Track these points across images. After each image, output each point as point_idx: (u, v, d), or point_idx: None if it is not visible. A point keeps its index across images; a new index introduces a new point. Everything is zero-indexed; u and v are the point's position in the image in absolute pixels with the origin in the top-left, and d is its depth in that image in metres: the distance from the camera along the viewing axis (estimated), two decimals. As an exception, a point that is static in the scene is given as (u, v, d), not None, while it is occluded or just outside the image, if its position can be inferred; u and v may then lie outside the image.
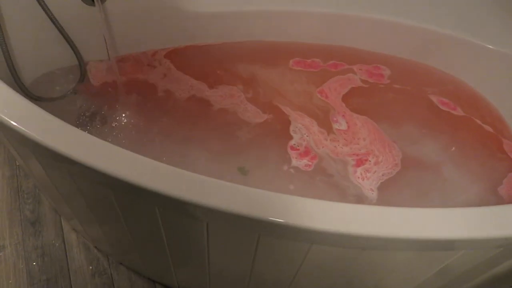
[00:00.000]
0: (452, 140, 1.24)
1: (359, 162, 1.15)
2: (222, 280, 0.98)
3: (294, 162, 1.13)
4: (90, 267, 1.18)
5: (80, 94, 1.23)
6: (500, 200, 1.10)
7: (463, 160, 1.20)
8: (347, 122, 1.22)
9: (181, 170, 0.65)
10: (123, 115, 1.21)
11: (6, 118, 0.71)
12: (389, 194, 1.10)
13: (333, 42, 1.40)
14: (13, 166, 1.39)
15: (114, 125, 1.19)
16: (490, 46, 1.25)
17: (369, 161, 1.16)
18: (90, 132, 1.16)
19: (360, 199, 1.08)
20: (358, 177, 1.12)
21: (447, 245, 0.69)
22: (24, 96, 1.10)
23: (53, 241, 1.23)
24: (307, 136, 1.18)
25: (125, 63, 1.31)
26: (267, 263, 0.82)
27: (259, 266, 0.83)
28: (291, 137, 1.18)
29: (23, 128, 0.70)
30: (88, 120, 1.19)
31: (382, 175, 1.14)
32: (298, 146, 1.16)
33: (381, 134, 1.22)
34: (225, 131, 1.20)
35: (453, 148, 1.22)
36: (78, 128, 0.72)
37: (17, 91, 1.08)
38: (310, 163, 1.13)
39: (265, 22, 1.36)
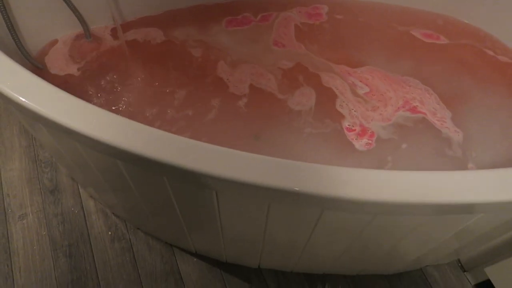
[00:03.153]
0: (464, 67, 1.25)
1: (414, 111, 1.14)
2: (236, 244, 0.99)
3: (356, 145, 1.08)
4: (109, 233, 1.21)
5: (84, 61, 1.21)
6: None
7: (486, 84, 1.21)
8: (361, 81, 1.18)
9: (185, 138, 0.64)
10: (132, 79, 1.19)
11: (11, 92, 0.71)
12: (465, 120, 1.12)
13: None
14: (29, 135, 1.40)
15: (121, 89, 1.17)
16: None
17: (416, 105, 1.15)
18: (97, 100, 1.15)
19: (460, 145, 1.08)
20: (442, 125, 1.11)
21: (464, 209, 0.67)
22: (30, 66, 1.10)
23: (72, 208, 1.25)
24: (355, 111, 1.14)
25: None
26: (280, 229, 0.82)
27: (272, 231, 0.83)
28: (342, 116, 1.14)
29: (28, 101, 0.69)
30: (97, 89, 1.17)
31: (438, 104, 1.15)
32: (353, 126, 1.12)
33: (391, 77, 1.21)
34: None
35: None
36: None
37: (23, 62, 1.08)
38: (370, 142, 1.09)
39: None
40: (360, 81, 1.19)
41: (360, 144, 1.07)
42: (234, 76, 1.20)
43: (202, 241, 1.05)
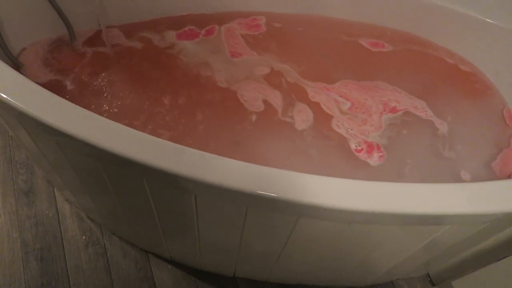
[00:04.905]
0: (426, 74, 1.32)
1: (394, 111, 1.20)
2: (212, 251, 0.99)
3: (371, 162, 1.09)
4: (84, 237, 1.19)
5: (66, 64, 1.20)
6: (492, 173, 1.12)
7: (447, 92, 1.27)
8: (341, 96, 1.22)
9: (167, 141, 0.65)
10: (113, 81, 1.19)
11: (-8, 88, 0.70)
12: (442, 110, 1.20)
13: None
14: (5, 136, 1.38)
15: (106, 93, 1.17)
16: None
17: (395, 106, 1.21)
18: (81, 103, 1.14)
19: (447, 133, 1.16)
20: (426, 115, 1.18)
21: (432, 220, 0.70)
22: (12, 66, 1.10)
23: (47, 211, 1.23)
24: (351, 130, 1.15)
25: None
26: (256, 235, 0.83)
27: (248, 238, 0.84)
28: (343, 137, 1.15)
29: (9, 98, 0.69)
30: (80, 91, 1.17)
31: (410, 99, 1.23)
32: (359, 145, 1.13)
33: (363, 85, 1.26)
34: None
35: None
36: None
37: (5, 60, 1.07)
38: (381, 153, 1.11)
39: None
40: (340, 96, 1.22)
41: (374, 160, 1.09)
42: (243, 94, 1.22)
43: (178, 247, 1.05)
